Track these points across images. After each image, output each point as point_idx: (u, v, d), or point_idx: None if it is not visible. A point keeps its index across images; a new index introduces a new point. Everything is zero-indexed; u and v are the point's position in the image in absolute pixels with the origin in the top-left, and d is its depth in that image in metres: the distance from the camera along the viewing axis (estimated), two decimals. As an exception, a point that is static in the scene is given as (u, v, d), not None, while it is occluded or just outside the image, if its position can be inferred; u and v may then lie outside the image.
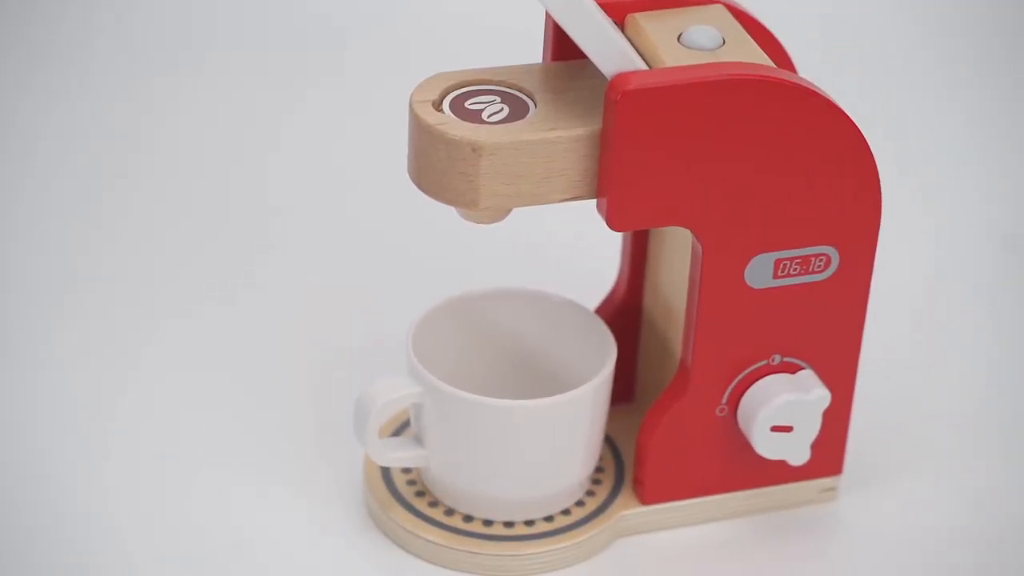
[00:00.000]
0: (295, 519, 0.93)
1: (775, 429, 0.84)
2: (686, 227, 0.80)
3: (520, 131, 0.77)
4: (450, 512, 0.87)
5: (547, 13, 0.86)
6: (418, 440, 0.87)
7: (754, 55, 0.80)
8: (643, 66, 0.78)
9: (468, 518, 0.87)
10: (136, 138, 1.40)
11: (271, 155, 1.33)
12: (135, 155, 1.33)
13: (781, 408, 0.84)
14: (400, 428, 0.93)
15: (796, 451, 0.86)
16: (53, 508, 0.94)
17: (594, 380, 0.84)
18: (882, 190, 0.83)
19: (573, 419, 0.85)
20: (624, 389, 0.95)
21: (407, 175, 0.81)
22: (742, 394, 0.85)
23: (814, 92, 0.77)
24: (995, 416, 1.03)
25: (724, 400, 0.85)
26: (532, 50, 0.93)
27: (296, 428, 1.00)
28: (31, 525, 0.93)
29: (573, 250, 1.06)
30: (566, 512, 0.87)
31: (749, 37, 0.82)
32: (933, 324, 1.12)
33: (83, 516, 0.93)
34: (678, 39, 0.80)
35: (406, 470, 0.91)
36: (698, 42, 0.79)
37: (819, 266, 0.82)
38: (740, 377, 0.85)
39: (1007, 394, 1.05)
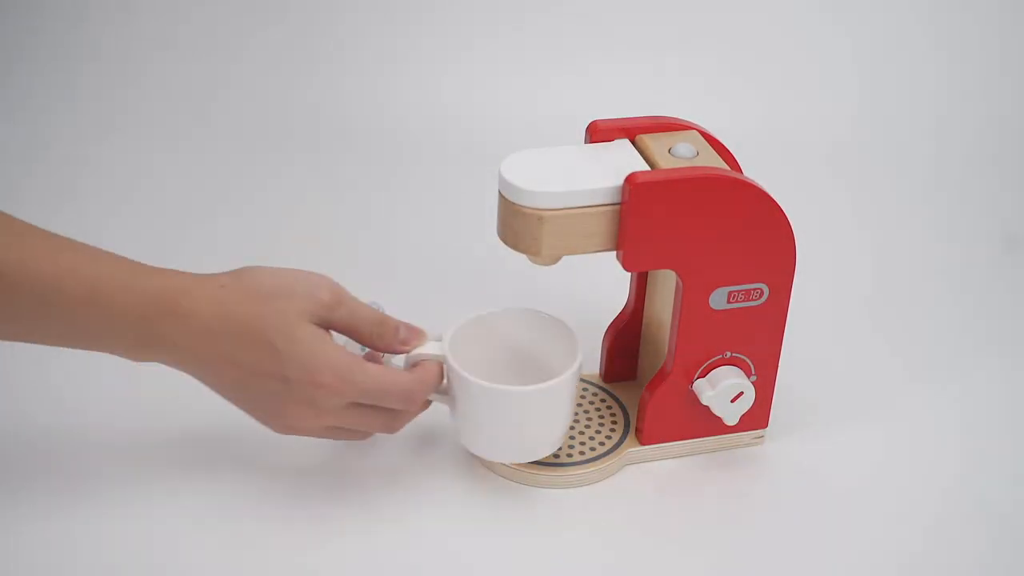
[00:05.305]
0: (418, 449, 0.98)
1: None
2: (672, 269, 0.90)
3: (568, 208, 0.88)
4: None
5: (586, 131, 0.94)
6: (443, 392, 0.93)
7: (717, 162, 0.90)
8: (646, 167, 0.89)
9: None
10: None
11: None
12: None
13: (731, 386, 0.94)
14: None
15: (730, 415, 0.95)
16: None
17: (561, 376, 0.90)
18: (796, 249, 0.91)
19: (549, 400, 0.91)
20: (630, 371, 1.04)
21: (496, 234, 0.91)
22: (705, 376, 0.95)
23: (754, 186, 0.88)
24: (874, 385, 1.08)
25: (694, 380, 0.95)
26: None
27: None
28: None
29: (601, 283, 1.05)
30: (592, 448, 0.96)
31: (714, 151, 0.92)
32: (829, 331, 1.15)
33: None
34: (669, 151, 0.90)
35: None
36: (682, 153, 0.90)
37: (756, 295, 0.92)
38: (704, 366, 0.94)
39: (877, 373, 1.10)
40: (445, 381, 0.92)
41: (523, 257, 0.90)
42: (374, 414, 0.89)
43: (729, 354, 0.94)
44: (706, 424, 0.97)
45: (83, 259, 0.84)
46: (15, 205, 0.89)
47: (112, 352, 0.87)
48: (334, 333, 0.89)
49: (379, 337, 0.90)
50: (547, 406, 0.91)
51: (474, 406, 0.91)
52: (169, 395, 0.97)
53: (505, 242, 0.90)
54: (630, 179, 0.86)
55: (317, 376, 0.85)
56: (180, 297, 0.85)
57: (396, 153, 1.44)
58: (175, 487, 0.93)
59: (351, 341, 0.92)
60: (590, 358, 1.04)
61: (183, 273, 0.87)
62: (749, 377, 0.95)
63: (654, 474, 0.97)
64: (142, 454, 0.96)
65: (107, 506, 0.91)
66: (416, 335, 0.91)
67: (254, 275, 0.87)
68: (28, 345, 0.87)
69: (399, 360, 0.93)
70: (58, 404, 1.01)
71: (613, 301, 1.04)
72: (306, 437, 0.91)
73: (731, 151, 0.94)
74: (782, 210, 0.89)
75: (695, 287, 0.90)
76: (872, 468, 0.99)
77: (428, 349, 0.91)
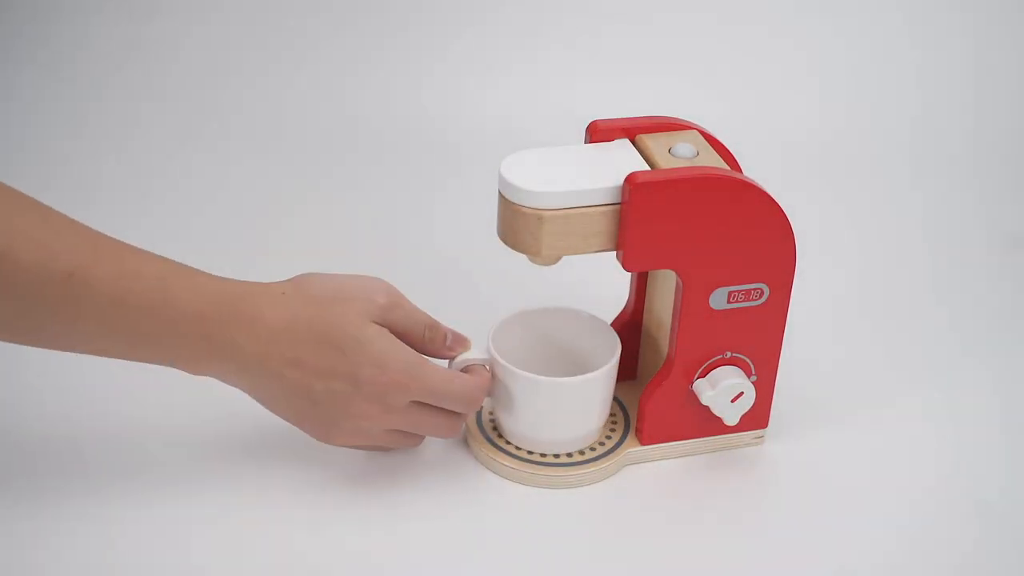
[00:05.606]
0: (418, 449, 0.97)
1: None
2: (672, 269, 0.90)
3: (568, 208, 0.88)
4: (517, 446, 0.97)
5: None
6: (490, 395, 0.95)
7: (717, 162, 0.90)
8: (647, 167, 0.89)
9: (529, 451, 0.96)
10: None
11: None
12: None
13: (731, 386, 0.94)
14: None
15: (730, 415, 0.96)
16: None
17: (605, 366, 0.94)
18: (796, 249, 0.91)
19: (593, 390, 0.94)
20: (630, 371, 1.03)
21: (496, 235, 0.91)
22: (705, 376, 0.95)
23: (755, 186, 0.88)
24: (873, 385, 1.08)
25: (694, 380, 0.95)
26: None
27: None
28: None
29: (602, 283, 1.05)
30: (592, 448, 0.96)
31: (714, 151, 0.92)
32: (829, 331, 1.14)
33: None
34: (669, 151, 0.91)
35: (492, 419, 0.99)
36: (682, 153, 0.90)
37: (757, 295, 0.92)
38: (704, 366, 0.94)
39: (877, 373, 1.10)
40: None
41: (523, 257, 0.90)
42: (436, 414, 0.91)
43: (729, 354, 0.94)
44: (706, 424, 0.97)
45: (149, 262, 0.85)
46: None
47: (173, 363, 0.87)
48: None
49: (430, 341, 0.92)
50: (591, 395, 0.95)
51: (523, 399, 0.94)
52: (176, 395, 0.97)
53: (505, 242, 0.90)
54: (630, 179, 0.86)
55: (388, 373, 0.87)
56: (243, 301, 0.86)
57: (396, 153, 1.43)
58: (178, 488, 0.93)
59: None
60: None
61: (243, 281, 0.88)
62: (749, 377, 0.95)
63: (654, 474, 0.97)
64: (145, 454, 0.96)
65: (111, 506, 0.91)
66: (461, 343, 0.94)
67: (312, 281, 0.89)
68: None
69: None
70: (55, 405, 1.01)
71: (613, 301, 1.04)
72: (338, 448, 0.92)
73: (731, 151, 0.93)
74: (782, 210, 0.89)
75: (695, 287, 0.90)
76: (872, 468, 0.98)
77: (475, 353, 0.94)
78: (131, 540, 0.88)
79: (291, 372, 0.87)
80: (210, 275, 0.87)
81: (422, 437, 0.95)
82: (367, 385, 0.87)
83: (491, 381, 0.94)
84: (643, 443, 0.97)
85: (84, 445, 0.96)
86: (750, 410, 0.95)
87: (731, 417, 0.95)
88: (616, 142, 0.92)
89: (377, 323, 0.88)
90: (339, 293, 0.88)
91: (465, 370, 0.94)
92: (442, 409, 0.91)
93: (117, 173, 1.38)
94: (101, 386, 1.00)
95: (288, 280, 0.90)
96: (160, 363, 0.87)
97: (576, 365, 0.99)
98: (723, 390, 0.94)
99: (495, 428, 0.98)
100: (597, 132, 0.93)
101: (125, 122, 1.47)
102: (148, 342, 0.85)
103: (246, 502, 0.92)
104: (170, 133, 1.45)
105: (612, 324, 1.01)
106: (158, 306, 0.83)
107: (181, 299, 0.84)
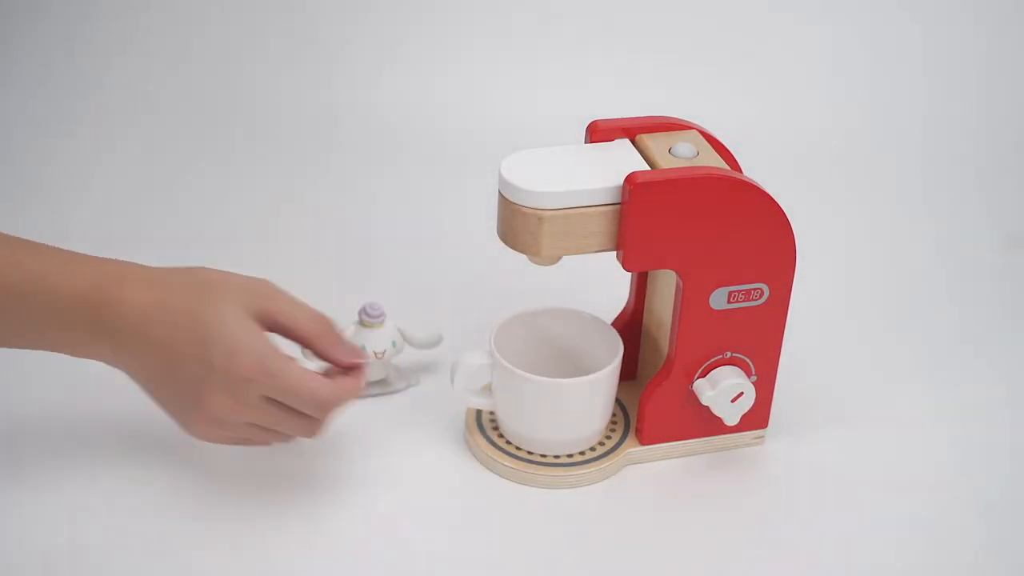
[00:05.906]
0: (418, 449, 0.98)
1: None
2: (672, 269, 0.90)
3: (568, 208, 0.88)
4: (517, 447, 0.97)
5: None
6: (491, 394, 0.97)
7: (717, 162, 0.90)
8: (647, 167, 0.89)
9: (529, 451, 0.96)
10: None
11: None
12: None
13: (731, 386, 0.94)
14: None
15: (730, 415, 0.96)
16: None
17: (608, 367, 0.95)
18: (796, 249, 0.91)
19: (595, 391, 0.95)
20: (630, 371, 1.03)
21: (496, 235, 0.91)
22: (705, 376, 0.95)
23: (755, 186, 0.88)
24: (874, 385, 1.08)
25: (694, 380, 0.95)
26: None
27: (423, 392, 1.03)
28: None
29: (602, 283, 1.04)
30: (592, 448, 0.96)
31: (714, 151, 0.92)
32: (830, 331, 1.14)
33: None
34: (669, 151, 0.91)
35: (492, 419, 0.99)
36: (682, 153, 0.90)
37: (757, 295, 0.92)
38: (704, 366, 0.94)
39: (877, 373, 1.10)
40: (492, 382, 0.96)
41: (523, 257, 0.90)
42: (290, 415, 0.87)
43: (729, 354, 0.94)
44: (706, 424, 0.97)
45: (24, 252, 0.85)
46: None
47: (55, 348, 0.87)
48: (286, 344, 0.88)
49: (318, 338, 0.88)
50: (593, 396, 0.94)
51: (524, 400, 0.94)
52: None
53: (505, 242, 0.90)
54: (630, 179, 0.86)
55: (238, 362, 0.84)
56: (119, 283, 0.85)
57: (395, 153, 1.43)
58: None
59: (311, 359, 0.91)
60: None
61: (122, 261, 0.87)
62: (749, 377, 0.95)
63: (654, 474, 0.97)
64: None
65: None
66: (355, 351, 0.90)
67: (197, 270, 0.88)
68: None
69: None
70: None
71: (613, 301, 1.04)
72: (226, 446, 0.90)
73: (731, 151, 0.93)
74: (782, 210, 0.89)
75: (695, 287, 0.90)
76: (872, 468, 0.98)
77: (475, 358, 0.94)
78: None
79: (158, 353, 0.85)
80: (87, 256, 0.87)
81: (286, 435, 0.91)
82: (218, 373, 0.84)
83: (356, 389, 0.89)
84: (643, 443, 0.97)
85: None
86: (750, 410, 0.95)
87: (731, 417, 0.95)
88: (616, 142, 0.92)
89: (253, 313, 0.86)
90: (216, 279, 0.87)
91: (337, 373, 0.89)
92: (295, 409, 0.87)
93: (99, 174, 1.37)
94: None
95: (178, 267, 0.88)
96: (43, 348, 0.87)
97: (578, 366, 0.99)
98: (723, 390, 0.93)
99: (495, 428, 0.98)
100: (597, 132, 0.93)
101: (110, 122, 1.47)
102: (28, 330, 0.85)
103: (239, 504, 0.92)
104: (157, 133, 1.45)
105: (612, 324, 1.01)
106: (36, 294, 0.84)
107: (60, 284, 0.84)
